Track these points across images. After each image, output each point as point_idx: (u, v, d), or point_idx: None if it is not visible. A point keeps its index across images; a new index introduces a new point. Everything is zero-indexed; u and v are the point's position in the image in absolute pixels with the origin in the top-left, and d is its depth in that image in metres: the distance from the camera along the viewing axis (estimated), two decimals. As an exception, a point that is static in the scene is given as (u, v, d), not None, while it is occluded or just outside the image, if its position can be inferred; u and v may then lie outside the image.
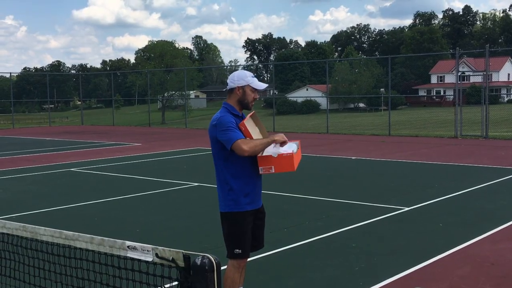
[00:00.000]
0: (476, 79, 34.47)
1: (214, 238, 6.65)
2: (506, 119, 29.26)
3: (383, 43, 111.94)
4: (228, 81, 4.18)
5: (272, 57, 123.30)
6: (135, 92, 68.43)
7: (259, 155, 4.01)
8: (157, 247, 2.40)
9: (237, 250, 4.04)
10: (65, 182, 11.91)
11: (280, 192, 9.73)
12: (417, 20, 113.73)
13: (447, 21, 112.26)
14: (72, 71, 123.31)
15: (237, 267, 4.09)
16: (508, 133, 22.23)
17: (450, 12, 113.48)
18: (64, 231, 2.85)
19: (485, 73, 20.64)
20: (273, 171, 4.03)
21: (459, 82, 21.33)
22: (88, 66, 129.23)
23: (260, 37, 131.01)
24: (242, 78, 4.09)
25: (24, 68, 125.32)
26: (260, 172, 4.07)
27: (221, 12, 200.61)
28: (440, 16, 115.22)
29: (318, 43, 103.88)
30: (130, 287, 2.69)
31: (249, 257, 4.21)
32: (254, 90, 4.11)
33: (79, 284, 2.97)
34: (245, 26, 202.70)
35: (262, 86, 4.12)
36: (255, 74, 4.41)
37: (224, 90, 4.62)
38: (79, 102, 60.28)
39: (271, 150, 4.01)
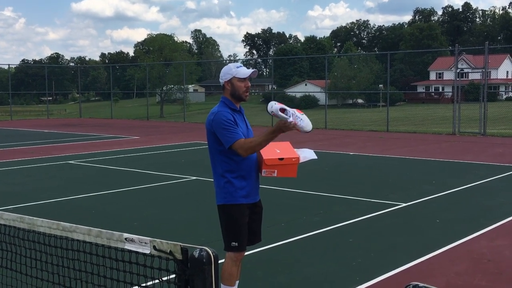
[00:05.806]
0: (475, 76, 34.41)
1: (211, 231, 6.65)
2: (504, 116, 29.27)
3: (383, 39, 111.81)
4: (219, 79, 4.17)
5: (271, 52, 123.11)
6: (133, 86, 68.29)
7: (266, 158, 3.99)
8: (155, 239, 2.40)
9: (234, 243, 4.04)
10: (63, 175, 11.90)
11: (278, 187, 9.73)
12: (416, 16, 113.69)
13: (446, 17, 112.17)
14: (71, 64, 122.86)
15: (234, 260, 4.09)
16: (506, 131, 22.24)
17: (450, 9, 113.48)
18: (62, 222, 2.85)
19: (484, 70, 20.64)
20: (275, 175, 4.06)
21: (458, 79, 21.32)
22: (87, 58, 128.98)
23: (259, 32, 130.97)
24: (227, 72, 4.06)
25: (23, 60, 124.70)
26: (263, 175, 4.09)
27: (220, 6, 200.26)
28: (440, 12, 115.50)
29: (318, 38, 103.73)
30: (127, 279, 2.69)
31: (245, 251, 4.21)
32: (243, 79, 4.05)
33: (76, 276, 2.97)
34: (245, 21, 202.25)
35: (247, 73, 4.03)
36: (253, 68, 4.35)
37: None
38: (78, 95, 60.11)
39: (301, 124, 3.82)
